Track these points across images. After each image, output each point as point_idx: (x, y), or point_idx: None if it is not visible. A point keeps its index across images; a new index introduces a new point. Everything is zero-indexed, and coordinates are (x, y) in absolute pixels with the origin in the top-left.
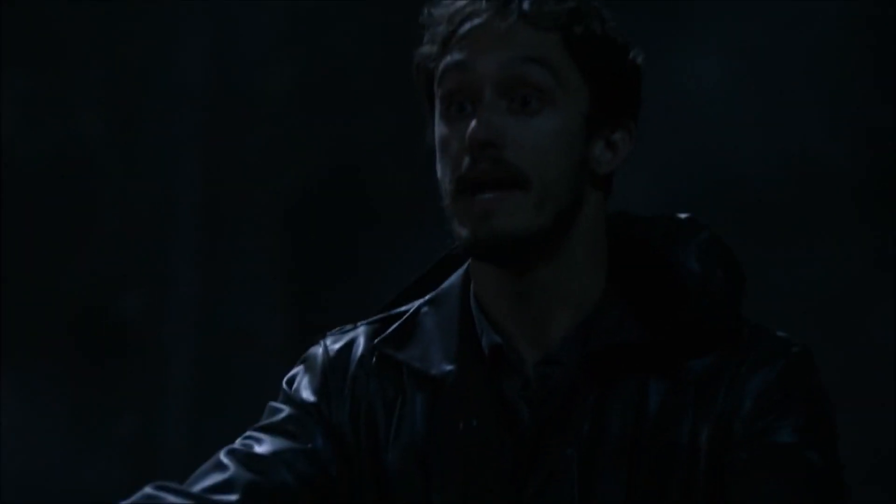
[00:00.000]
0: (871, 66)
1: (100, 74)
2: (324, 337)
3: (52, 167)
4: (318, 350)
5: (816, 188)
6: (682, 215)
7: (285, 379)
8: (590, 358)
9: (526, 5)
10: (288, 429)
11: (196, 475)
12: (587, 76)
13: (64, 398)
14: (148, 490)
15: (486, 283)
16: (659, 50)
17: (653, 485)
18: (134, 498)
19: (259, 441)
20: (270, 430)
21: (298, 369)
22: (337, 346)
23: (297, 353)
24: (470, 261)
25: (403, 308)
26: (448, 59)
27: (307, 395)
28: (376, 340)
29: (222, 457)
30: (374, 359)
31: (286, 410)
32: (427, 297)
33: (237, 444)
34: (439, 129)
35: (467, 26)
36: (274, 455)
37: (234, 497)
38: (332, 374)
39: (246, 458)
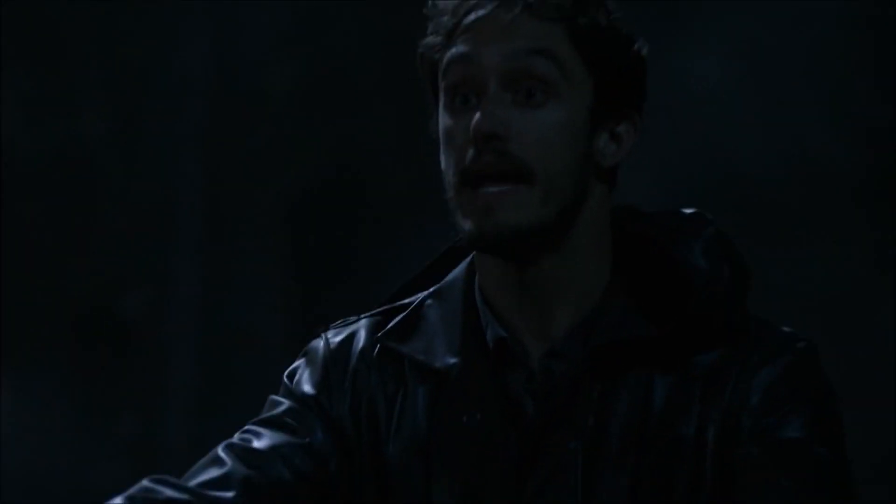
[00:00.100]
0: (872, 65)
1: (100, 74)
2: (326, 330)
3: (52, 167)
4: (320, 343)
5: (817, 187)
6: (688, 210)
7: (286, 372)
8: (595, 352)
9: None
10: (287, 422)
11: (194, 469)
12: (592, 68)
13: (65, 398)
14: (145, 483)
15: (490, 276)
16: (659, 49)
17: (658, 478)
18: (131, 491)
19: (258, 435)
20: (269, 423)
21: (300, 362)
22: (338, 338)
23: (297, 353)
24: (474, 253)
25: (407, 301)
26: (453, 50)
27: (308, 388)
28: (379, 333)
29: (220, 451)
30: (375, 352)
31: (286, 404)
32: (431, 290)
33: (235, 438)
34: (443, 120)
35: (472, 17)
36: (272, 450)
37: (230, 493)
38: (332, 367)
39: (243, 453)
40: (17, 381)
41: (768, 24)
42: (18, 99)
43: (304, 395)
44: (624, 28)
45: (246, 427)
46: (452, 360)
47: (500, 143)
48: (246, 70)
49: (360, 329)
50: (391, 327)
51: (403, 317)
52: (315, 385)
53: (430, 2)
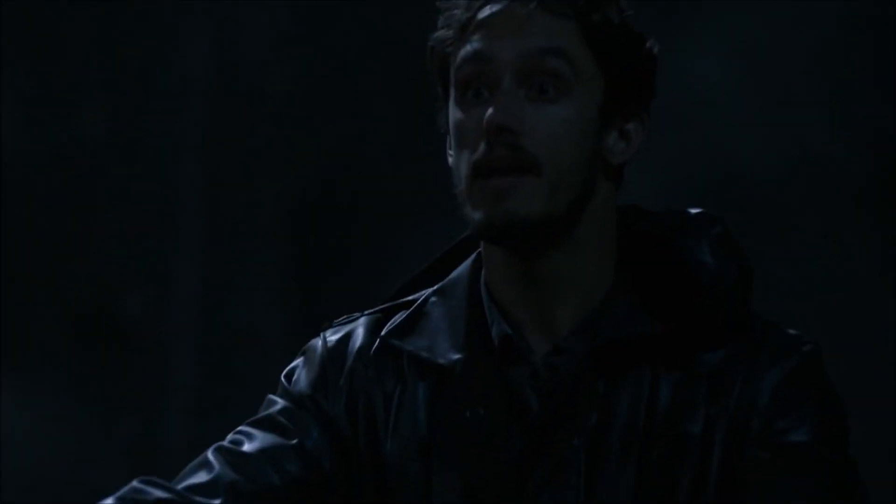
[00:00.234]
0: (873, 65)
1: (100, 74)
2: (329, 327)
3: (52, 167)
4: (318, 342)
5: (817, 187)
6: (694, 210)
7: (284, 372)
8: (600, 349)
9: None
10: (280, 422)
11: (184, 472)
12: (604, 65)
13: (65, 398)
14: (135, 484)
15: (496, 271)
16: (660, 49)
17: (661, 476)
18: (121, 492)
19: (249, 437)
20: (263, 424)
21: (298, 362)
22: (335, 337)
23: (297, 352)
24: (479, 250)
25: (410, 298)
26: (467, 47)
27: (304, 387)
28: (383, 331)
29: (210, 455)
30: (372, 350)
31: (281, 403)
32: (434, 288)
33: (227, 440)
34: (454, 114)
35: (487, 12)
36: (262, 453)
37: (217, 500)
38: (329, 365)
39: (232, 458)
40: (17, 381)
41: (769, 24)
42: (18, 99)
43: (301, 394)
44: (636, 26)
45: (239, 428)
46: (456, 357)
47: (512, 137)
48: (246, 70)
49: (359, 327)
50: (395, 325)
51: (407, 314)
52: (311, 384)
53: None
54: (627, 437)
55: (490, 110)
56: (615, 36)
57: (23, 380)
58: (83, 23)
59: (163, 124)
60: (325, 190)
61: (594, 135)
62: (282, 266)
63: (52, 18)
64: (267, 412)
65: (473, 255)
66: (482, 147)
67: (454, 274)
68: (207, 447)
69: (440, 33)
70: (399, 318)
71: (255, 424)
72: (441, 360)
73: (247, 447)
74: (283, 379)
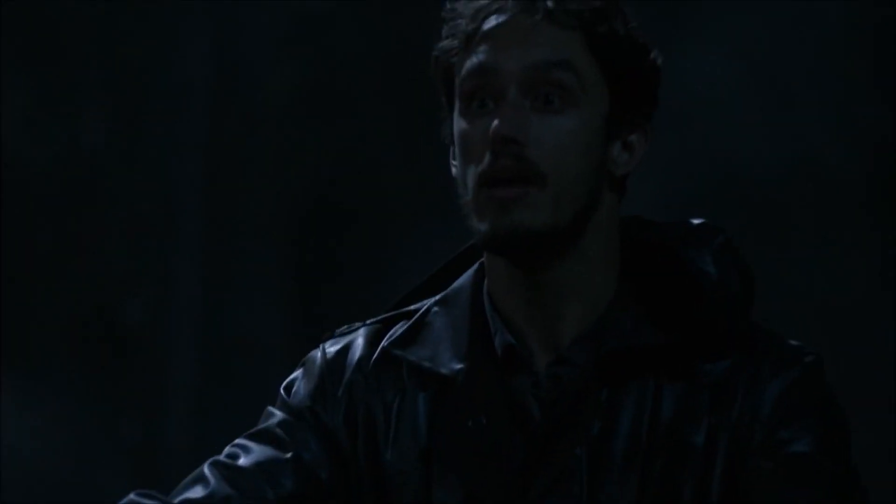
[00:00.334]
0: (875, 67)
1: (100, 75)
2: (330, 336)
3: (52, 168)
4: (317, 354)
5: (819, 189)
6: (696, 220)
7: (284, 384)
8: (603, 359)
9: (551, 4)
10: (278, 435)
11: (180, 486)
12: (609, 77)
13: (65, 400)
14: (132, 497)
15: (500, 281)
16: (661, 51)
17: (664, 487)
18: None
19: (246, 451)
20: (260, 437)
21: (297, 373)
22: (334, 348)
23: (299, 358)
24: (482, 260)
25: (412, 308)
26: (473, 59)
27: (303, 398)
28: (385, 342)
29: (205, 469)
30: (372, 360)
31: (279, 416)
32: (437, 298)
33: (224, 454)
34: (459, 125)
35: (492, 23)
36: (257, 467)
37: None
38: (328, 376)
39: (228, 472)
40: (17, 382)
41: (769, 24)
42: (18, 99)
43: (300, 406)
44: (640, 37)
45: (236, 441)
46: (458, 366)
47: (517, 148)
48: (246, 70)
49: (358, 338)
50: (397, 336)
51: (409, 324)
52: (310, 395)
53: (447, 4)
54: (630, 446)
55: (495, 121)
56: (621, 47)
57: (23, 381)
58: (83, 23)
59: (163, 124)
60: (325, 191)
61: (599, 146)
62: (282, 267)
63: (52, 18)
64: (265, 424)
65: (476, 265)
66: (487, 158)
67: (457, 284)
68: (208, 449)
69: (445, 43)
70: (401, 328)
71: (252, 437)
72: (443, 370)
73: (242, 461)
74: (282, 391)
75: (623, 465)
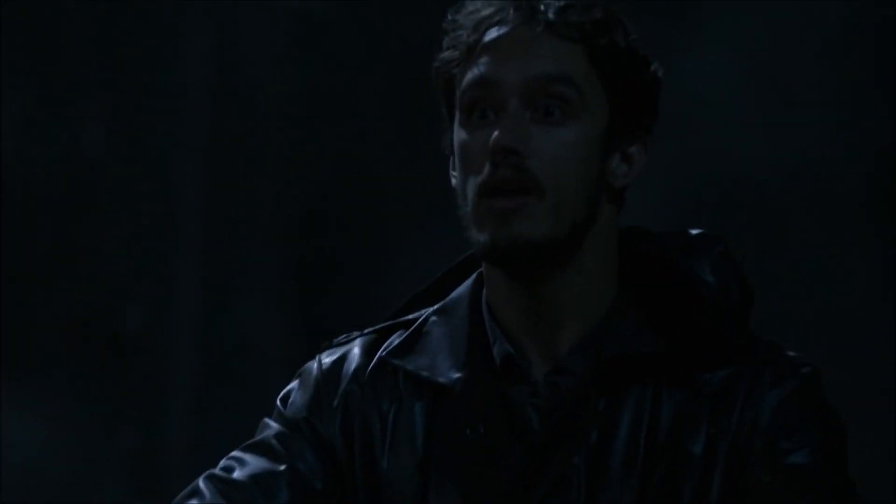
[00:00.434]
0: (876, 70)
1: (101, 75)
2: (329, 346)
3: (52, 168)
4: (313, 365)
5: (819, 192)
6: (694, 231)
7: (280, 395)
8: (602, 367)
9: (552, 15)
10: (273, 447)
11: (177, 500)
12: (609, 89)
13: (65, 402)
14: None
15: (498, 291)
16: (660, 52)
17: (662, 495)
18: None
19: (241, 464)
20: (255, 449)
21: (293, 385)
22: (330, 359)
23: (300, 364)
24: (480, 270)
25: (411, 317)
26: (474, 69)
27: (299, 409)
28: (382, 352)
29: (201, 483)
30: (368, 370)
31: (276, 427)
32: (435, 307)
33: (219, 466)
34: (459, 135)
35: (493, 34)
36: (252, 480)
37: None
38: (324, 387)
39: (223, 486)
40: (17, 385)
41: (770, 27)
42: (18, 100)
43: (295, 417)
44: (641, 49)
45: (232, 454)
46: (457, 375)
47: (517, 159)
48: (246, 70)
49: (354, 348)
50: (395, 345)
51: (407, 334)
52: (306, 406)
53: (448, 16)
54: (629, 455)
55: (496, 132)
56: (622, 60)
57: (23, 382)
58: (83, 23)
59: (163, 124)
60: (325, 191)
61: (598, 158)
62: (282, 267)
63: (52, 18)
64: (261, 436)
65: (474, 275)
66: (487, 168)
67: (455, 293)
68: (209, 458)
69: (446, 54)
70: (398, 337)
71: (247, 450)
72: (442, 379)
73: (237, 474)
74: (278, 402)
75: (621, 473)
